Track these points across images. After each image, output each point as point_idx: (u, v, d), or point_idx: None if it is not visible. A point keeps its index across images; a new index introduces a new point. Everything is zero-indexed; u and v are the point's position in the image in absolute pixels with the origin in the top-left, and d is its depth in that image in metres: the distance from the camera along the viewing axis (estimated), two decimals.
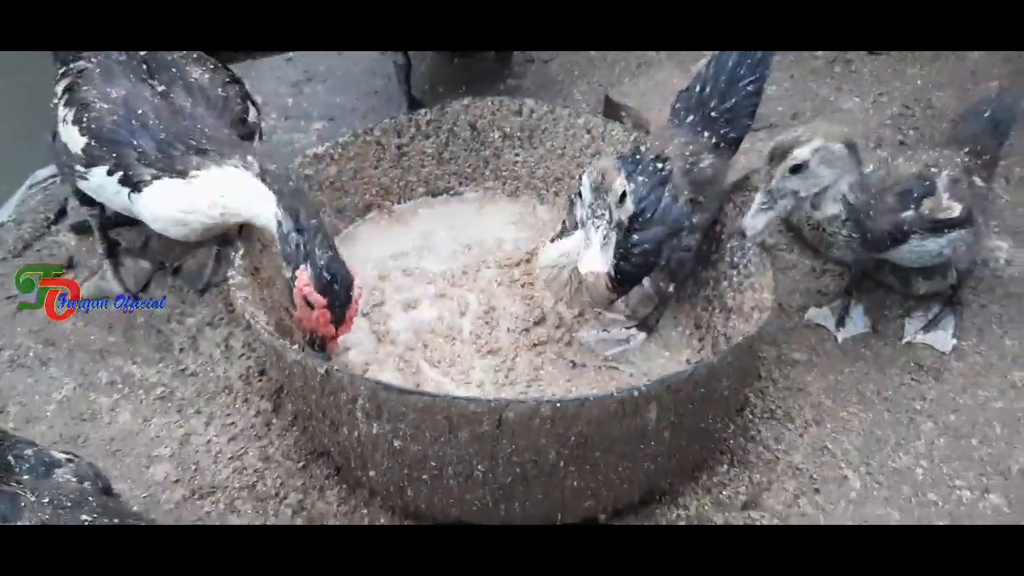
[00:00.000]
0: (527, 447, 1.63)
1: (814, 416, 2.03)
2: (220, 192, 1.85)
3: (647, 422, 1.66)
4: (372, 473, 1.76)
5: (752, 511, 1.85)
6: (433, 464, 1.68)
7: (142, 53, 2.04)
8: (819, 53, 2.98)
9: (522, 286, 2.22)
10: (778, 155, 1.83)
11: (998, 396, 2.07)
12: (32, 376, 2.09)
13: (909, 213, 1.96)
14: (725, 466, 1.93)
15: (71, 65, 2.06)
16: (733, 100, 2.11)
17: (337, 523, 1.84)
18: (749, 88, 2.12)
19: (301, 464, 1.93)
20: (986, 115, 2.20)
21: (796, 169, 1.83)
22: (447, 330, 2.12)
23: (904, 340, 2.18)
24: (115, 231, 2.34)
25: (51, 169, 2.51)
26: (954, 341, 2.17)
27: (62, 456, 1.48)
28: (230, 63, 2.20)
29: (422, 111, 2.40)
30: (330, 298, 1.77)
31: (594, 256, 1.75)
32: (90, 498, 1.39)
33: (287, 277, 1.82)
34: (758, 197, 1.86)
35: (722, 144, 2.10)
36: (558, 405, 1.60)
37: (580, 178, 1.81)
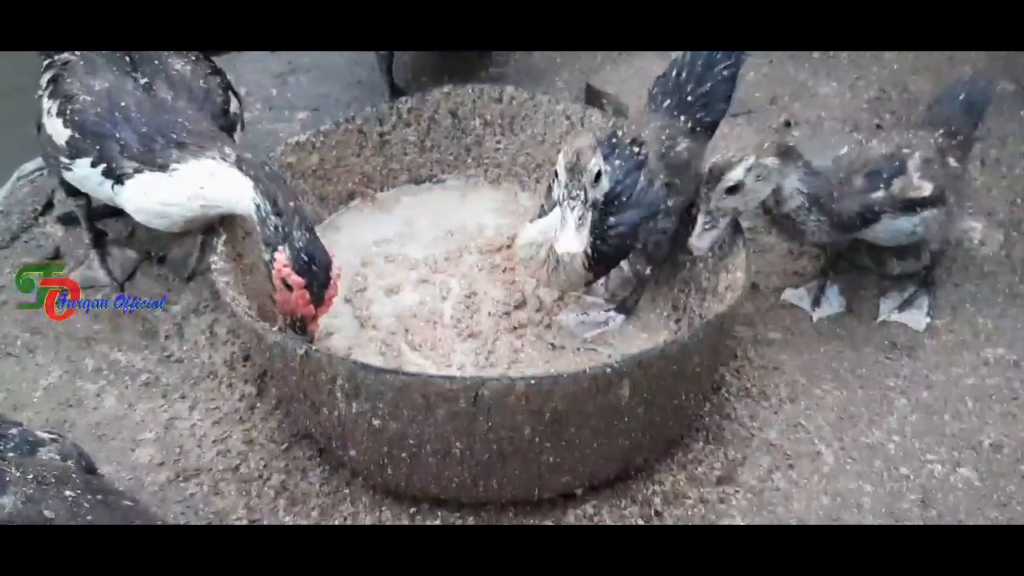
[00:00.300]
0: (503, 424, 1.67)
1: (789, 394, 2.06)
2: (199, 184, 1.89)
3: (620, 398, 1.69)
4: (353, 453, 1.79)
5: (726, 486, 1.88)
6: (412, 442, 1.71)
7: None
8: None
9: (503, 271, 2.25)
10: (713, 178, 1.92)
11: (970, 373, 2.11)
12: (19, 364, 2.12)
13: (879, 193, 2.00)
14: (700, 443, 1.96)
15: (55, 57, 2.09)
16: (709, 85, 2.14)
17: (320, 503, 1.87)
18: (725, 73, 2.15)
19: (284, 446, 1.96)
20: (961, 97, 2.24)
21: (732, 190, 1.91)
22: (429, 314, 2.15)
23: (879, 319, 2.22)
24: (101, 221, 2.37)
25: (38, 162, 2.53)
26: (928, 320, 2.20)
27: (46, 436, 1.51)
28: (213, 55, 2.23)
29: (403, 99, 2.43)
30: (308, 279, 1.80)
31: (569, 235, 1.79)
32: (73, 475, 1.42)
33: (266, 260, 1.85)
34: (700, 218, 1.94)
35: (698, 128, 2.13)
36: (532, 382, 1.63)
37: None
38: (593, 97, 2.76)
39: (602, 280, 2.17)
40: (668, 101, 2.14)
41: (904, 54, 2.92)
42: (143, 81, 2.01)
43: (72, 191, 2.17)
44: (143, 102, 1.97)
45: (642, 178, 2.01)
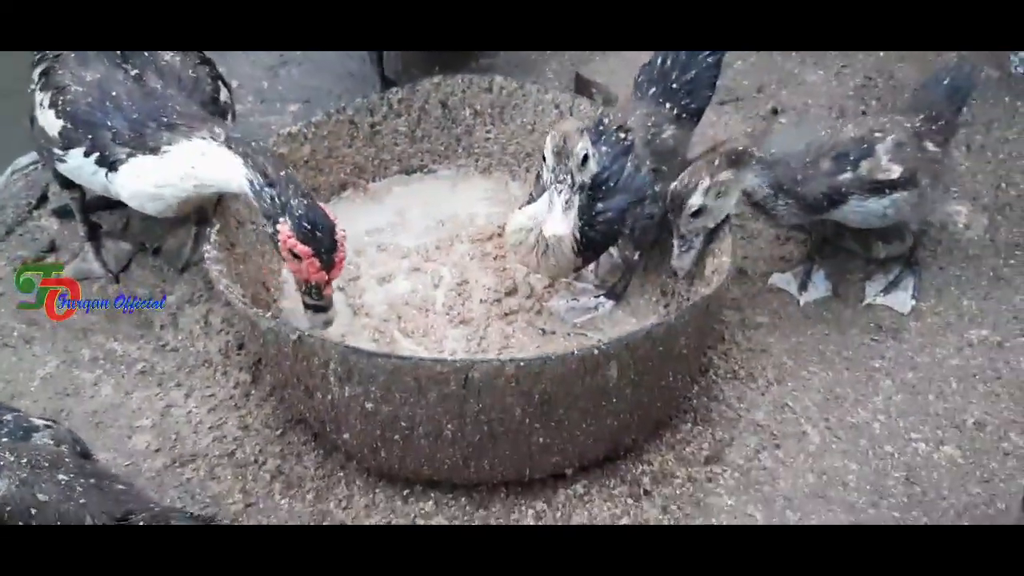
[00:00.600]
0: (493, 406, 1.70)
1: (776, 376, 2.10)
2: (191, 164, 1.91)
3: (608, 379, 1.72)
4: (346, 436, 1.82)
5: (714, 465, 1.92)
6: (404, 425, 1.74)
7: None
8: None
9: (494, 259, 2.28)
10: (676, 206, 1.96)
11: (954, 354, 2.14)
12: (16, 355, 2.15)
13: (846, 175, 2.04)
14: (689, 424, 2.00)
15: (47, 51, 2.11)
16: (693, 72, 2.17)
17: (315, 486, 1.90)
18: (709, 60, 2.19)
19: (279, 431, 1.99)
20: (945, 82, 2.26)
21: (696, 214, 1.95)
22: (421, 302, 2.18)
23: (865, 302, 2.25)
24: (96, 214, 2.39)
25: (32, 156, 2.56)
26: (913, 302, 2.23)
27: (40, 422, 1.54)
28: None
29: (394, 90, 2.45)
30: (314, 246, 1.81)
31: (556, 218, 1.82)
32: (67, 459, 1.45)
33: (269, 233, 1.86)
34: (675, 243, 2.00)
35: (683, 115, 2.16)
36: (522, 364, 1.67)
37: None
38: (582, 86, 2.78)
39: (592, 266, 2.20)
40: (653, 89, 2.17)
41: None
42: (133, 72, 2.03)
43: (66, 184, 2.20)
44: (133, 91, 1.99)
45: (629, 164, 2.04)
